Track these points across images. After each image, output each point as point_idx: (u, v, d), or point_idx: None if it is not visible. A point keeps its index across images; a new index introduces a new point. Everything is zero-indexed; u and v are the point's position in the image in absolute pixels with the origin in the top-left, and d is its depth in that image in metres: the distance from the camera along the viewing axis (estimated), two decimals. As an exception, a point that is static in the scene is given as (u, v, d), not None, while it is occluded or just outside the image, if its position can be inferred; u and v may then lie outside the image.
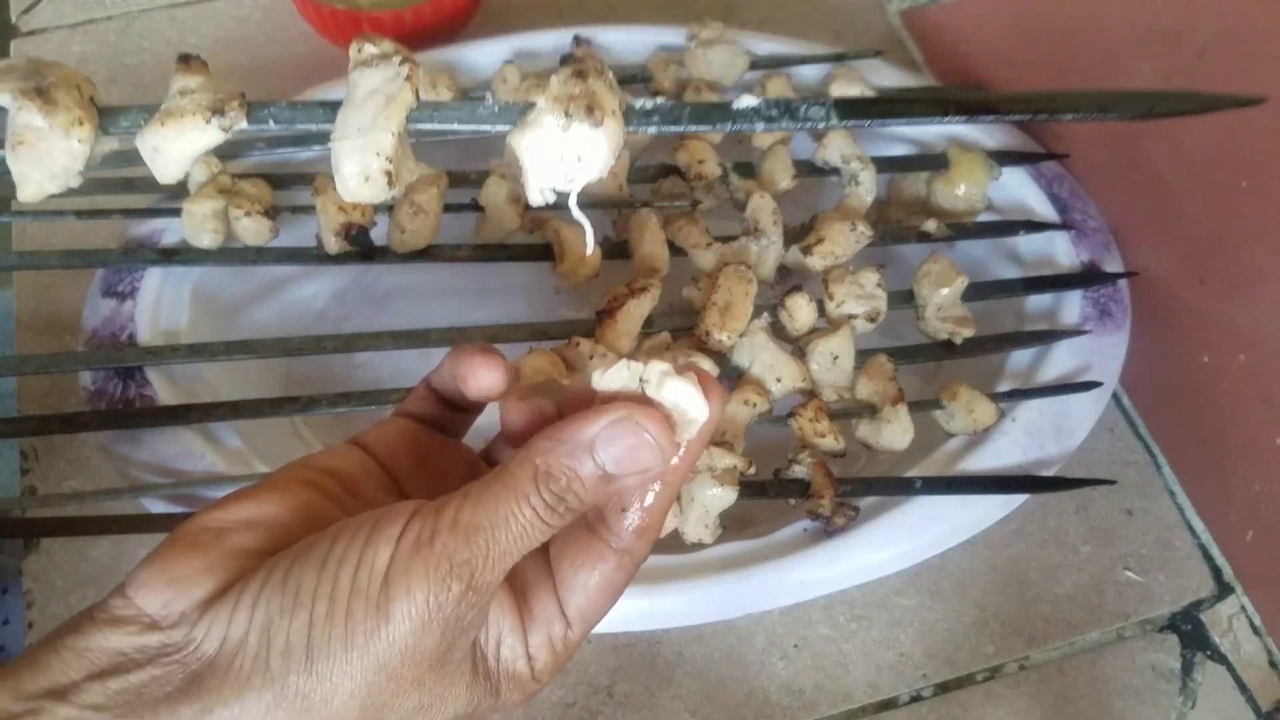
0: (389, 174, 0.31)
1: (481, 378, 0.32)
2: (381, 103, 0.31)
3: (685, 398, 0.29)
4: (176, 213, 0.51)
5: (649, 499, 0.30)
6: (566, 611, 0.31)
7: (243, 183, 0.51)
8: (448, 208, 0.51)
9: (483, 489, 0.28)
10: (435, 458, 0.35)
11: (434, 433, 0.35)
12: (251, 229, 0.50)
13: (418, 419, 0.35)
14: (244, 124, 0.33)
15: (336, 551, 0.27)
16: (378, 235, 0.51)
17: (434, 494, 0.29)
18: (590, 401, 0.30)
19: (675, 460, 0.29)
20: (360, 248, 0.49)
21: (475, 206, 0.52)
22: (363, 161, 0.31)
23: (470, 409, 0.36)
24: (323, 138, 0.33)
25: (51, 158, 0.32)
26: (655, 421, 0.28)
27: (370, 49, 0.33)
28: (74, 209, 0.52)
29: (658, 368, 0.29)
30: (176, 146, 0.33)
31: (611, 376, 0.29)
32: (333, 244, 0.48)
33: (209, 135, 0.33)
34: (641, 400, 0.29)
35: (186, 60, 0.34)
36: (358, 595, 0.26)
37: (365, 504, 0.32)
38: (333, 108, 0.33)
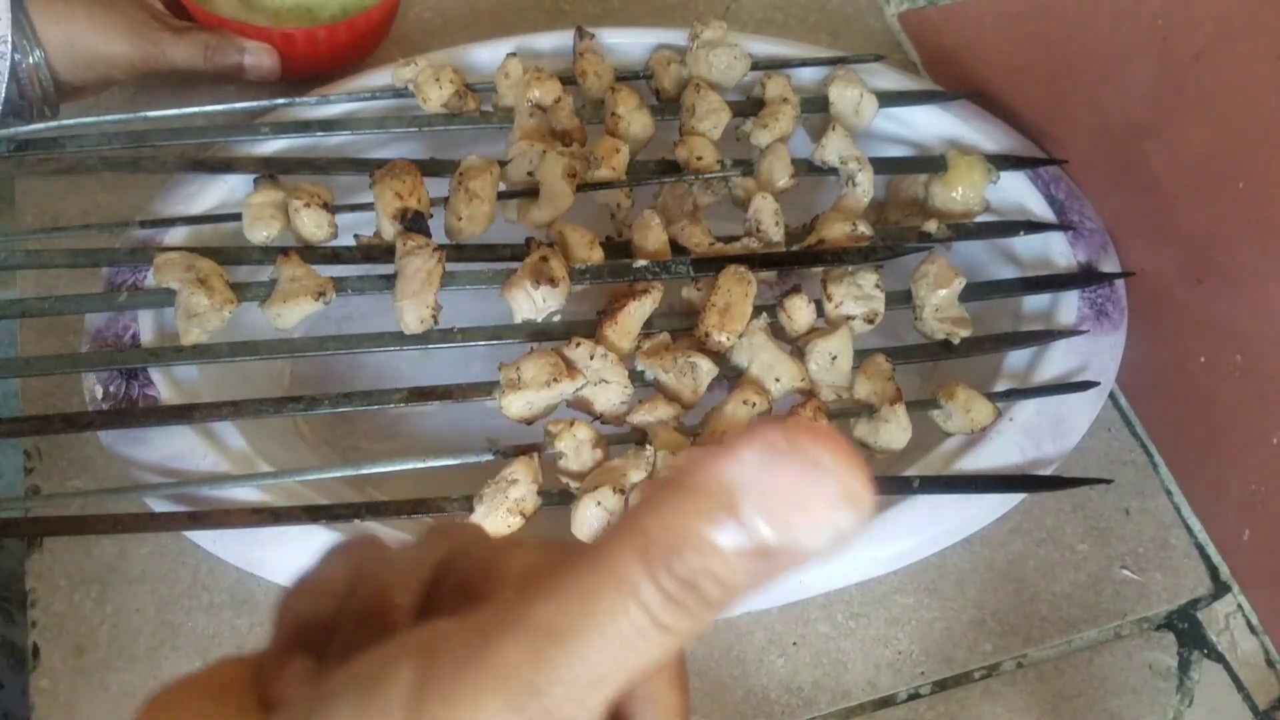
0: (434, 316, 0.48)
1: None
2: (424, 277, 0.48)
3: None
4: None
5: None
6: None
7: (300, 179, 0.53)
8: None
9: (556, 580, 0.17)
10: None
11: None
12: (312, 221, 0.51)
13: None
14: (334, 297, 0.49)
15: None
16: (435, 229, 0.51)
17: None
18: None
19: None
20: (416, 232, 0.50)
21: (525, 192, 0.53)
22: (418, 312, 0.48)
23: None
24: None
25: (208, 320, 0.47)
26: (833, 450, 0.17)
27: (413, 244, 0.48)
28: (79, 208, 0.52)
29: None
30: (293, 313, 0.48)
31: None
32: (389, 229, 0.51)
33: (314, 306, 0.48)
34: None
35: (287, 253, 0.49)
36: None
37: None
38: (390, 279, 0.49)
